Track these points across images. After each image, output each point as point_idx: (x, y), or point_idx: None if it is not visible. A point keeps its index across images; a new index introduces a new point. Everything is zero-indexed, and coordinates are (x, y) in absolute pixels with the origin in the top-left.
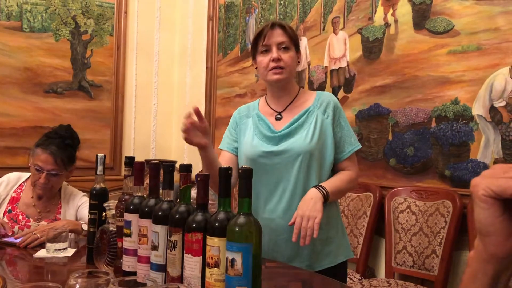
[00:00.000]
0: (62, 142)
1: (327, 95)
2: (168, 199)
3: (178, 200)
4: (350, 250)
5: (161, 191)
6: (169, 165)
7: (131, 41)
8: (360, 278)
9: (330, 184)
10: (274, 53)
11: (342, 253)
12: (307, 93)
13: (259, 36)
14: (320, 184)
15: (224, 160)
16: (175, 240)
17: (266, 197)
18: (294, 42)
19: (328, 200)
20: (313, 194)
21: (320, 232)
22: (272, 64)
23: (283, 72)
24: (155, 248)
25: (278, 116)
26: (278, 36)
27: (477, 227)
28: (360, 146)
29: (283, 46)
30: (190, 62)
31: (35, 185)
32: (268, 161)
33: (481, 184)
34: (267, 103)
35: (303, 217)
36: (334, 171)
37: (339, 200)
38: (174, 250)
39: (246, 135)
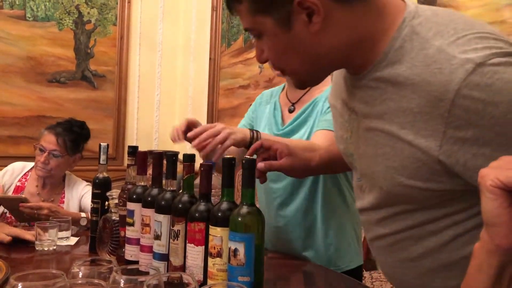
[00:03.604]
0: (70, 128)
1: None
2: (171, 188)
3: (181, 191)
4: (360, 257)
5: (164, 181)
6: (172, 155)
7: (134, 31)
8: None
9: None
10: None
11: (352, 262)
12: (326, 80)
13: None
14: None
15: None
16: (177, 230)
17: (278, 202)
18: None
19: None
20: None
21: (328, 241)
22: None
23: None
24: (157, 237)
25: (291, 107)
26: None
27: (484, 218)
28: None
29: None
30: (194, 53)
31: (36, 167)
32: None
33: (490, 174)
34: (286, 91)
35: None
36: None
37: (354, 207)
38: (177, 240)
39: (262, 126)
